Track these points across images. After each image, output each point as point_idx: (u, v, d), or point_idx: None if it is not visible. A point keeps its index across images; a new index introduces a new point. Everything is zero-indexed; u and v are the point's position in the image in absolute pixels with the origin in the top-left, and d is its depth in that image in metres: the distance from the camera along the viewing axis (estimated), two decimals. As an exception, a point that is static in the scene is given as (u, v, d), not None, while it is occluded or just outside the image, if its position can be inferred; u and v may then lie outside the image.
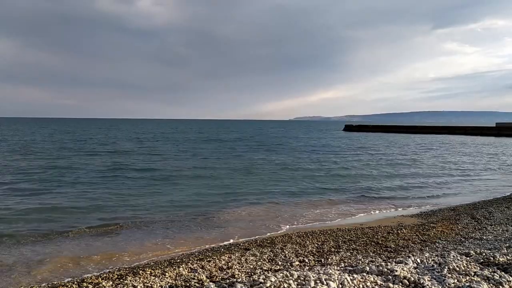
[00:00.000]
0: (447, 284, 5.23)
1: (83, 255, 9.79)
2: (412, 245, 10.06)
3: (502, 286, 5.22)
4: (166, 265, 8.68)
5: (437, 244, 10.01)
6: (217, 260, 8.78)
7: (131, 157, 34.35)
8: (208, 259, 8.98)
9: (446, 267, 5.74)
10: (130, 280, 7.52)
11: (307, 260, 8.75)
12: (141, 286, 7.01)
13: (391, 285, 5.29)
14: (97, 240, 11.06)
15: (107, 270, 8.64)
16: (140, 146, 47.08)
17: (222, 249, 10.10)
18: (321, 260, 8.74)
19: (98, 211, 14.42)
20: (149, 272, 8.00)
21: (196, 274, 7.77)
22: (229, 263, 8.56)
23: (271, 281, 5.61)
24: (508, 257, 6.36)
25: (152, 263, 9.02)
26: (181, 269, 8.12)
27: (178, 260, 9.09)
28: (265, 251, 9.65)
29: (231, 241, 11.11)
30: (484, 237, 10.42)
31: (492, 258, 6.26)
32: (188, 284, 7.03)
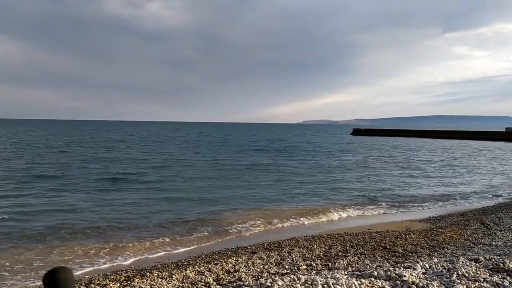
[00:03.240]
0: (456, 290, 5.18)
1: (90, 257, 9.84)
2: (421, 250, 9.98)
3: (512, 292, 5.17)
4: (173, 267, 8.69)
5: (445, 249, 9.92)
6: (224, 263, 8.78)
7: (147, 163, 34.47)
8: (215, 262, 8.98)
9: (455, 272, 5.68)
10: (138, 282, 7.54)
11: (314, 264, 8.72)
12: (148, 288, 7.03)
13: (399, 290, 5.26)
14: (104, 242, 11.09)
15: (115, 272, 8.66)
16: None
17: (229, 252, 10.10)
18: (328, 265, 8.70)
19: (107, 213, 14.48)
20: (156, 274, 8.02)
21: (203, 277, 7.77)
22: (236, 266, 8.55)
23: (278, 284, 5.60)
24: (518, 264, 6.29)
25: (159, 266, 9.02)
26: (188, 271, 8.13)
27: (185, 263, 9.11)
28: (272, 254, 9.62)
29: (238, 244, 11.09)
30: (494, 243, 10.31)
31: (501, 264, 6.19)
32: (195, 287, 7.04)
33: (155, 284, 7.37)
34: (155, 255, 10.13)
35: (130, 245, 10.86)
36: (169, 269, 8.47)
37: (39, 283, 8.25)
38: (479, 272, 5.79)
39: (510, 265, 6.15)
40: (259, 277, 7.61)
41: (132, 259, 9.79)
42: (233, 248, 10.55)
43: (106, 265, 9.34)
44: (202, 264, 8.77)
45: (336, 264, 8.70)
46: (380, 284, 5.49)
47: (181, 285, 7.32)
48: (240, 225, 13.20)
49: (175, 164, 30.86)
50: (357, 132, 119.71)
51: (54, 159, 32.61)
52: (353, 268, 7.89)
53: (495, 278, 5.51)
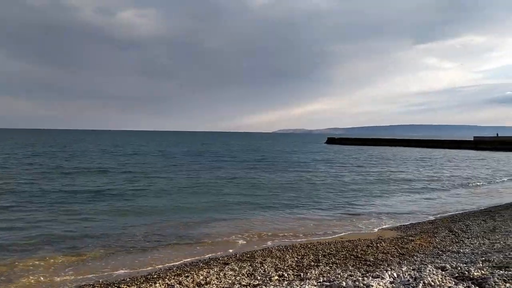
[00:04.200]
0: (422, 299, 5.24)
1: (57, 272, 9.55)
2: (391, 258, 10.10)
3: (476, 300, 5.25)
4: (142, 281, 8.52)
5: (415, 257, 10.07)
6: (195, 275, 8.66)
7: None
8: (186, 274, 8.85)
9: (421, 282, 5.76)
10: (105, 297, 7.36)
11: (286, 275, 8.69)
12: (115, 303, 6.86)
13: (367, 300, 5.28)
14: (70, 256, 10.78)
15: (80, 287, 8.43)
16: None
17: (201, 264, 9.98)
18: (300, 275, 8.69)
19: (73, 226, 14.13)
20: (124, 288, 7.85)
21: (173, 290, 7.64)
22: (208, 278, 8.45)
23: (247, 297, 5.55)
24: (483, 271, 6.42)
25: (128, 279, 8.83)
26: (157, 285, 7.98)
27: (155, 276, 8.94)
28: (244, 265, 9.57)
29: (211, 255, 10.99)
30: (461, 250, 10.53)
31: (467, 273, 6.31)
32: (164, 301, 6.90)
33: (123, 298, 7.21)
34: (124, 269, 9.89)
35: (98, 258, 10.60)
36: (138, 283, 8.30)
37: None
38: (444, 281, 5.88)
39: (475, 274, 6.27)
40: (230, 289, 7.54)
41: (100, 273, 9.54)
42: (205, 260, 10.44)
43: (72, 280, 9.07)
44: (172, 277, 8.63)
45: (308, 274, 8.70)
46: (348, 294, 5.51)
47: (150, 299, 7.17)
48: (212, 237, 13.07)
49: (147, 175, 30.35)
50: (331, 141, 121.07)
51: (21, 171, 31.70)
52: (324, 278, 7.90)
53: (460, 287, 5.61)
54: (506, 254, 8.81)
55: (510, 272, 6.19)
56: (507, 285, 5.56)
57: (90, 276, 9.32)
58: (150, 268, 9.89)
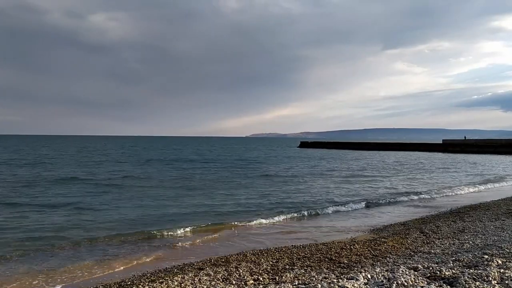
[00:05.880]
0: (396, 299, 5.32)
1: (18, 278, 9.26)
2: (364, 260, 10.22)
3: (448, 299, 5.37)
4: (116, 288, 8.36)
5: (388, 258, 10.23)
6: (169, 281, 8.55)
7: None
8: (161, 280, 8.72)
9: (395, 282, 5.86)
10: (76, 306, 7.18)
11: (261, 279, 8.67)
12: (87, 312, 6.69)
13: (342, 302, 5.32)
14: (38, 260, 10.49)
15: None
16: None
17: (175, 270, 9.85)
18: (275, 278, 8.69)
19: (36, 235, 13.68)
20: (97, 296, 7.67)
21: (147, 296, 7.52)
22: (182, 284, 8.35)
23: (223, 302, 5.51)
24: (454, 271, 6.58)
25: (100, 287, 8.64)
26: (131, 292, 7.83)
27: (129, 283, 8.76)
28: (219, 270, 9.50)
29: (185, 261, 10.87)
30: (432, 251, 10.76)
31: (438, 272, 6.45)
32: (138, 308, 6.77)
33: (95, 306, 7.04)
34: (96, 275, 9.68)
35: (68, 266, 10.33)
36: (111, 290, 8.13)
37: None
38: (417, 281, 6.00)
39: (447, 273, 6.42)
40: (205, 294, 7.47)
41: (71, 281, 9.31)
42: (179, 265, 10.31)
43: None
44: (146, 284, 8.49)
45: (283, 277, 8.70)
46: (324, 296, 5.54)
47: (123, 306, 7.03)
48: (187, 241, 12.96)
49: (115, 183, 29.38)
50: (304, 145, 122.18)
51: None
52: (299, 281, 7.93)
53: (432, 287, 5.73)
54: (475, 253, 9.07)
55: (479, 271, 6.37)
56: (477, 283, 5.71)
57: (62, 284, 9.08)
58: (123, 275, 9.70)
